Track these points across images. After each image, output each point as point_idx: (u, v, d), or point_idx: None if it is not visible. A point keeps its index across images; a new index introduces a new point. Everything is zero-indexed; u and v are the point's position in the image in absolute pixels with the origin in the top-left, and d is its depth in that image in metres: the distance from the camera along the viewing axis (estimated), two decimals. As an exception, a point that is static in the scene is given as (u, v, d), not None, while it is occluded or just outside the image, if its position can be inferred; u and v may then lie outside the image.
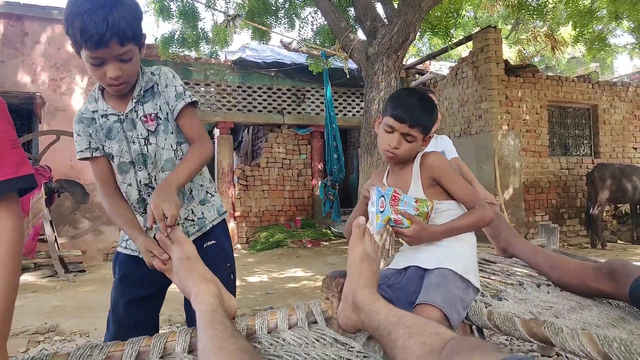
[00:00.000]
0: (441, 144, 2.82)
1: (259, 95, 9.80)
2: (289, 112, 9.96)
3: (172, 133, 1.51)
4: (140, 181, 1.52)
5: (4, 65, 7.52)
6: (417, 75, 10.50)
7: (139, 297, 1.58)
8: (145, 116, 1.48)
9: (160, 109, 1.49)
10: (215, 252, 1.56)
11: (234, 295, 1.61)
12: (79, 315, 4.07)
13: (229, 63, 9.61)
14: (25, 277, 6.13)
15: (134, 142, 1.48)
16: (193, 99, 1.50)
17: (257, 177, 9.76)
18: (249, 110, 9.70)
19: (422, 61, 10.88)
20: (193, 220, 1.56)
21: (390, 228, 1.43)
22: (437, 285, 1.34)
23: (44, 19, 7.79)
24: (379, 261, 1.24)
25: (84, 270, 6.78)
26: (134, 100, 1.47)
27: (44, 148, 7.01)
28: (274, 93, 9.93)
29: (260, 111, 9.78)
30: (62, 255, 6.46)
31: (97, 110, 1.48)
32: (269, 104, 9.87)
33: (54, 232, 6.37)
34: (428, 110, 1.51)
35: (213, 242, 1.56)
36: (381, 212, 1.41)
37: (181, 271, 1.20)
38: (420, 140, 1.50)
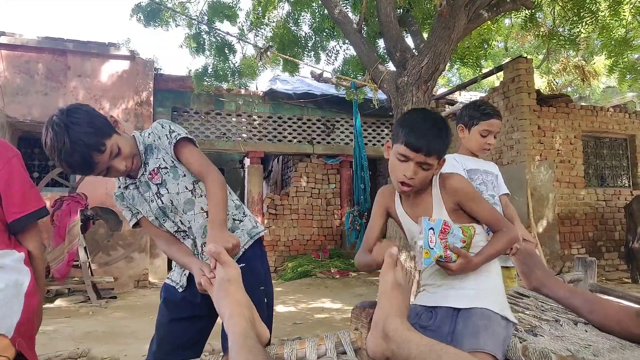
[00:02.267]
0: (497, 170, 2.48)
1: (289, 126, 9.97)
2: (318, 142, 10.06)
3: (185, 175, 1.61)
4: (168, 231, 1.65)
5: (48, 97, 7.91)
6: (447, 106, 10.47)
7: (179, 317, 1.67)
8: (150, 173, 1.60)
9: (163, 160, 1.60)
10: (244, 275, 1.58)
11: (270, 321, 1.64)
12: (110, 341, 4.12)
13: (260, 94, 9.84)
14: (60, 302, 6.27)
15: (152, 201, 1.61)
16: (180, 137, 1.58)
17: (287, 206, 9.82)
18: (279, 140, 9.85)
19: (452, 91, 10.86)
20: None
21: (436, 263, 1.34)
22: (484, 328, 1.27)
23: (84, 53, 8.23)
24: (410, 290, 1.22)
25: (115, 297, 6.88)
26: (142, 165, 1.61)
27: (80, 176, 7.27)
28: (304, 123, 10.08)
29: (290, 141, 9.92)
30: (95, 281, 6.59)
31: (120, 186, 1.66)
32: (299, 134, 10.01)
33: (88, 258, 6.53)
34: (443, 134, 1.39)
35: (242, 265, 1.58)
36: (431, 248, 1.29)
37: (220, 292, 1.24)
38: (436, 165, 1.39)
